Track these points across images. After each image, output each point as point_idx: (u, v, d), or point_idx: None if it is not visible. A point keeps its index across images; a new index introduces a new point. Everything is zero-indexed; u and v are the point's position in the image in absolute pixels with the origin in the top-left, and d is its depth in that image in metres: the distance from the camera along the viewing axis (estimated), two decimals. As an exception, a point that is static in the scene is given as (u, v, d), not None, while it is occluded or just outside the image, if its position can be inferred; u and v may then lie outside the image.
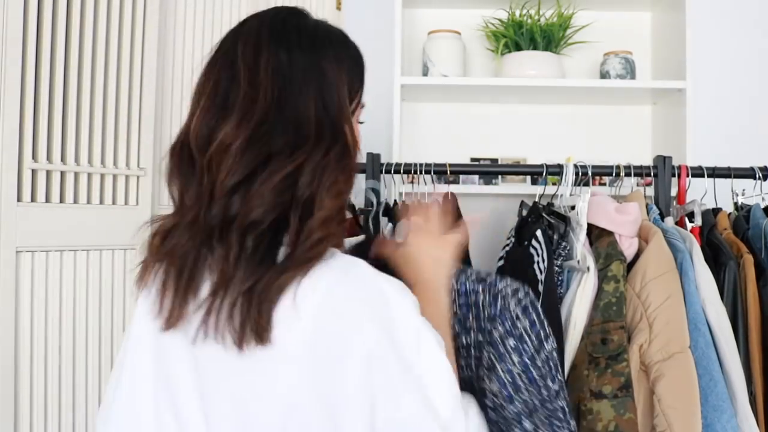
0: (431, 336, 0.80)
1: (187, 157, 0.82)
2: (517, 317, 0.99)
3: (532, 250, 1.44)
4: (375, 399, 0.75)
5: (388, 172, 1.65)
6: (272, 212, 0.76)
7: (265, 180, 0.76)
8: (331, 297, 0.76)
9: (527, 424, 0.96)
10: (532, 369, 0.98)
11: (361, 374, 0.74)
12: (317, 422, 0.75)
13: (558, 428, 0.97)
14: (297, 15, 0.88)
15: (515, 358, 0.97)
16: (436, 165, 1.63)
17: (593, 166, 1.60)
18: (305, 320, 0.75)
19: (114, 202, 1.62)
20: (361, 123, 0.91)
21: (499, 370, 0.97)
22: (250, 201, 0.76)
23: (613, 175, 1.63)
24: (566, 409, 0.99)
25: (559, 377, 0.99)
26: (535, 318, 1.00)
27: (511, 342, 0.98)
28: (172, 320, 0.80)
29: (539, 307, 1.01)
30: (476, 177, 2.16)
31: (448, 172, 1.64)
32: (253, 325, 0.74)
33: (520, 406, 0.96)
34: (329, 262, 0.78)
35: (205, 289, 0.78)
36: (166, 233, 0.82)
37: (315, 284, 0.76)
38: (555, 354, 1.00)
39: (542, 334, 0.99)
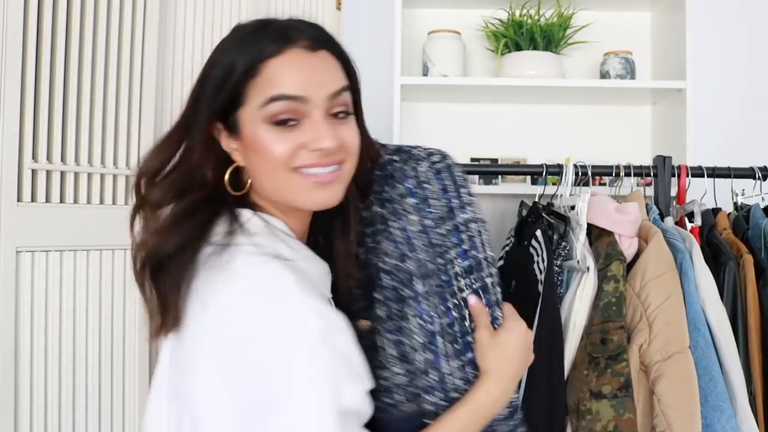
0: (324, 380, 0.74)
1: None
2: (427, 180, 0.91)
3: (531, 250, 1.44)
4: (251, 415, 0.74)
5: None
6: None
7: None
8: (240, 302, 0.77)
9: (419, 286, 0.89)
10: (431, 234, 0.89)
11: (247, 383, 0.75)
12: (185, 416, 0.79)
13: (448, 304, 0.89)
14: None
15: (413, 217, 0.90)
16: (436, 165, 1.63)
17: (593, 166, 1.60)
18: (213, 320, 0.78)
19: (114, 202, 1.62)
20: (278, 123, 0.82)
21: (393, 227, 0.90)
22: None
23: (613, 175, 1.63)
24: (465, 290, 0.89)
25: (477, 254, 0.90)
26: (449, 184, 0.91)
27: (411, 201, 0.90)
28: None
29: (459, 175, 0.93)
30: (476, 177, 2.16)
31: (448, 172, 1.64)
32: (169, 314, 0.81)
33: (413, 266, 0.89)
34: (253, 265, 0.79)
35: None
36: None
37: (227, 287, 0.78)
38: (477, 227, 0.91)
39: (455, 203, 0.91)
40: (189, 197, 0.84)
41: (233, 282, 0.78)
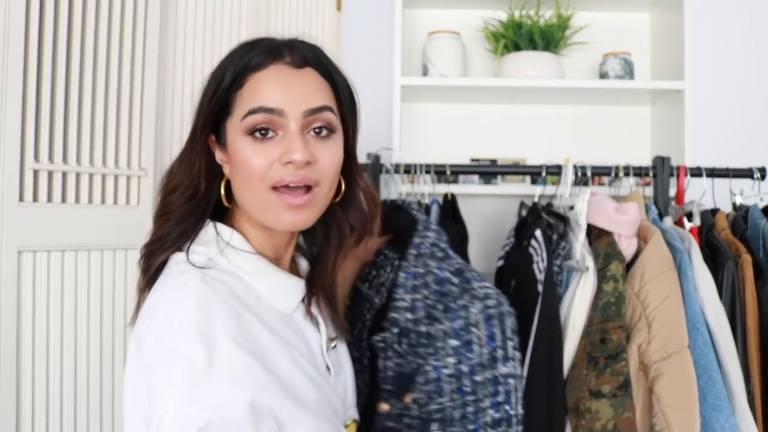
0: (180, 388, 0.74)
1: None
2: (476, 324, 0.91)
3: (531, 251, 1.45)
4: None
5: (387, 172, 1.66)
6: None
7: None
8: (158, 301, 0.82)
9: (434, 428, 0.88)
10: (465, 380, 0.89)
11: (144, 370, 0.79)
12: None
13: None
14: None
15: (450, 360, 0.90)
16: (436, 165, 1.64)
17: (592, 167, 1.61)
18: (141, 315, 0.85)
19: (115, 202, 1.62)
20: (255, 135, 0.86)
21: (430, 364, 0.90)
22: None
23: (612, 175, 1.63)
24: None
25: (510, 409, 0.89)
26: (497, 333, 0.91)
27: (453, 342, 0.90)
28: None
29: (510, 326, 0.92)
30: (476, 177, 2.16)
31: (448, 172, 1.65)
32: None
33: (435, 408, 0.88)
34: (180, 273, 0.84)
35: None
36: None
37: (158, 286, 0.85)
38: (514, 383, 0.90)
39: (500, 353, 0.90)
40: (184, 205, 0.89)
41: (163, 283, 0.85)
